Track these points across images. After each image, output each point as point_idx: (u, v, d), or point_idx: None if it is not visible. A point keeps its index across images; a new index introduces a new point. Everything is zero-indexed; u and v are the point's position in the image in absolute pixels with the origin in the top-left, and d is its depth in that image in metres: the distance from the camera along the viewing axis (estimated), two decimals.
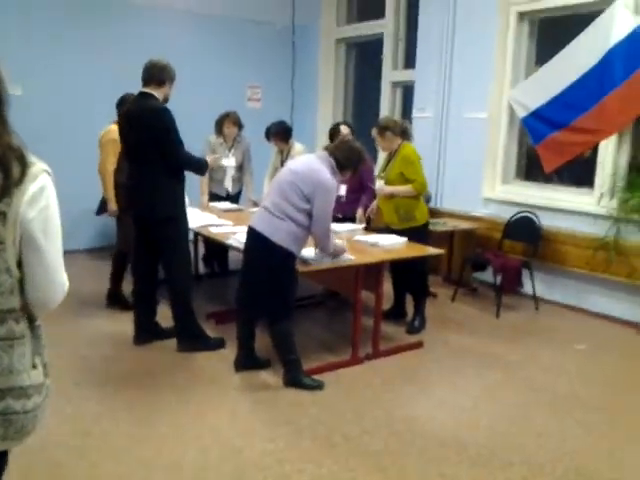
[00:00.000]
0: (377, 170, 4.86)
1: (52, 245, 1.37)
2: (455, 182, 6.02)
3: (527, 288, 5.13)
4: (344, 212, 4.72)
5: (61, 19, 6.10)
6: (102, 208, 5.39)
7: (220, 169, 5.43)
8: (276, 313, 3.41)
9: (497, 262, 5.01)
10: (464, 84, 5.87)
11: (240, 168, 5.55)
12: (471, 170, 5.85)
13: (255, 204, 5.17)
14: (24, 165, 1.30)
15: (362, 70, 7.89)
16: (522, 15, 5.53)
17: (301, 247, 3.42)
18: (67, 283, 1.45)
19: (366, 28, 7.31)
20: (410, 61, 6.69)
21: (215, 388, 3.45)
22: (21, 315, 1.38)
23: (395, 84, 7.00)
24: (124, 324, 4.18)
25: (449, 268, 5.78)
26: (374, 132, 4.42)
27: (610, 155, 4.87)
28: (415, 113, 6.36)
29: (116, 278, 4.70)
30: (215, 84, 6.99)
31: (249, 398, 3.37)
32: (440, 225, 5.41)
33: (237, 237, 3.89)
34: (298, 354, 3.48)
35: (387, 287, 4.20)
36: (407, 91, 6.84)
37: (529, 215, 5.25)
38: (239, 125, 5.43)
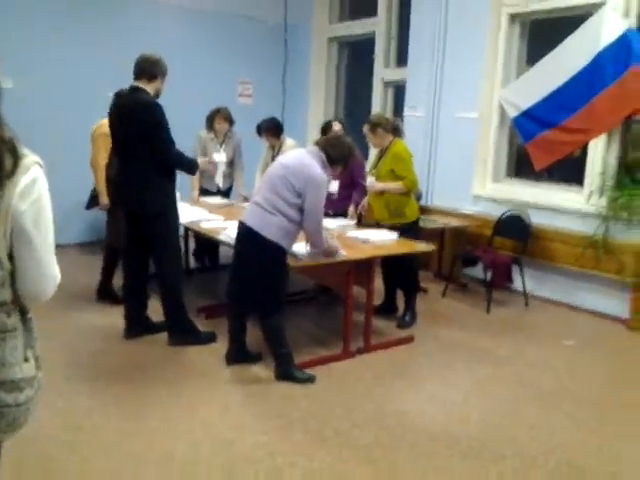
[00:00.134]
0: (368, 167, 4.87)
1: (44, 238, 1.37)
2: (446, 180, 6.04)
3: (517, 284, 5.17)
4: (336, 209, 4.72)
5: (56, 14, 6.07)
6: (92, 202, 5.37)
7: (211, 166, 5.42)
8: (267, 307, 3.41)
9: (487, 258, 5.04)
10: (455, 83, 5.90)
11: (231, 164, 5.53)
12: (462, 168, 5.87)
13: (246, 199, 5.16)
14: (16, 157, 1.29)
15: (354, 68, 7.90)
16: (513, 17, 5.56)
17: (292, 242, 3.42)
18: (59, 276, 1.45)
19: (358, 26, 7.32)
20: (402, 60, 6.71)
21: (206, 382, 3.45)
22: (12, 308, 1.38)
23: (387, 83, 7.01)
24: (115, 318, 4.16)
25: (440, 264, 5.80)
26: (366, 128, 4.43)
27: (599, 154, 4.91)
28: (406, 112, 6.37)
29: (107, 273, 4.69)
30: (207, 80, 6.98)
31: (240, 391, 3.37)
32: (431, 222, 5.43)
33: (228, 232, 3.89)
34: (290, 348, 3.49)
35: (378, 283, 4.22)
36: (399, 90, 6.86)
37: (519, 213, 5.28)
38: (230, 121, 5.42)
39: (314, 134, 6.44)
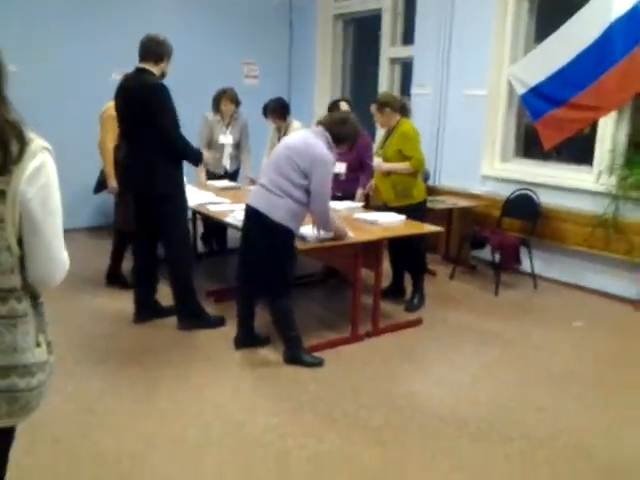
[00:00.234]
0: (375, 147, 4.83)
1: (52, 223, 1.36)
2: (454, 159, 5.99)
3: (525, 266, 5.14)
4: (344, 190, 4.70)
5: None
6: (100, 186, 5.36)
7: (218, 146, 5.41)
8: (275, 290, 3.41)
9: (495, 240, 5.01)
10: (463, 60, 5.82)
11: (237, 146, 5.51)
12: (470, 147, 5.82)
13: (252, 182, 5.14)
14: (23, 142, 1.29)
15: (360, 46, 7.80)
16: None
17: (299, 224, 3.41)
18: (68, 261, 1.45)
19: (364, 3, 7.21)
20: (409, 37, 6.61)
21: (216, 365, 3.47)
22: (23, 294, 1.38)
23: (394, 60, 6.93)
24: (124, 302, 4.18)
25: (447, 246, 5.78)
26: (373, 108, 4.39)
27: (609, 132, 4.85)
28: (414, 90, 6.31)
29: (116, 257, 4.70)
30: (212, 61, 6.92)
31: (250, 374, 3.40)
32: (438, 203, 5.40)
33: (235, 215, 3.88)
34: (299, 331, 3.50)
35: (385, 265, 4.21)
36: (406, 68, 6.78)
37: (528, 193, 5.24)
38: (236, 102, 5.38)
39: (321, 114, 6.38)
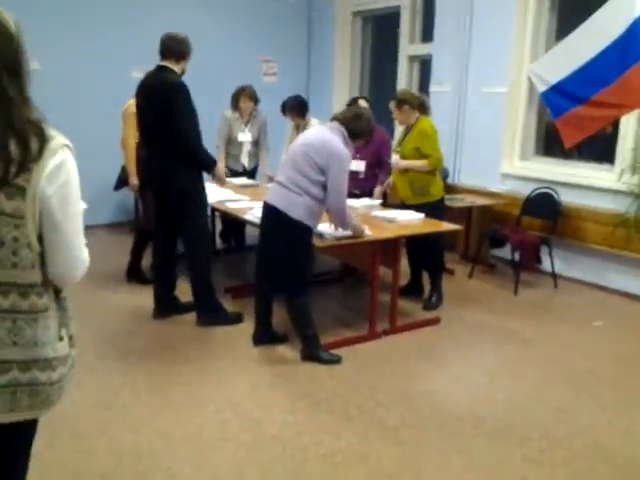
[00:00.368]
0: (394, 144, 4.82)
1: (72, 221, 1.37)
2: (473, 157, 5.95)
3: (546, 265, 5.09)
4: (362, 188, 4.70)
5: None
6: (121, 183, 5.41)
7: (237, 144, 5.43)
8: (293, 288, 3.42)
9: (515, 238, 4.96)
10: (483, 58, 5.77)
11: (256, 143, 5.53)
12: (489, 145, 5.78)
13: (271, 179, 5.14)
14: (43, 140, 1.29)
15: (379, 44, 7.77)
16: None
17: (317, 221, 3.41)
18: (88, 259, 1.45)
19: (383, 1, 7.18)
20: (428, 34, 6.57)
21: (233, 361, 3.49)
22: (43, 289, 1.39)
23: (412, 58, 6.90)
24: (144, 298, 4.23)
25: (466, 245, 5.75)
26: (392, 105, 4.37)
27: (632, 130, 4.79)
28: (433, 87, 6.27)
29: (136, 254, 4.74)
30: (230, 58, 6.95)
31: (267, 371, 3.41)
32: (458, 201, 5.37)
33: (254, 212, 3.90)
34: (316, 329, 3.50)
35: (403, 263, 4.19)
36: (424, 65, 6.75)
37: (548, 191, 5.19)
38: (255, 100, 5.40)
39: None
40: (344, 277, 5.05)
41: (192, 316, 4.01)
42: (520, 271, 4.92)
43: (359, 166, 4.66)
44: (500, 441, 2.77)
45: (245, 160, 5.57)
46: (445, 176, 5.71)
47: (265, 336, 3.69)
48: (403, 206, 4.38)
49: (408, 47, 6.87)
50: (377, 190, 4.77)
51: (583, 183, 5.09)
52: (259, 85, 5.70)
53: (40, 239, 1.35)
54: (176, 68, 3.69)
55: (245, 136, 5.40)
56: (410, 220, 4.04)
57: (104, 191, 5.91)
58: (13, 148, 1.26)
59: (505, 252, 5.32)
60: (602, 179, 5.01)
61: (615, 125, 4.95)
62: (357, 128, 3.40)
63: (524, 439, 2.78)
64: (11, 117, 1.27)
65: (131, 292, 4.55)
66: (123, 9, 6.33)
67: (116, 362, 3.44)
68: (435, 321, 4.18)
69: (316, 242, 3.43)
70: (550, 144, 5.66)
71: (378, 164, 4.74)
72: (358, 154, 4.52)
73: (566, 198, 5.09)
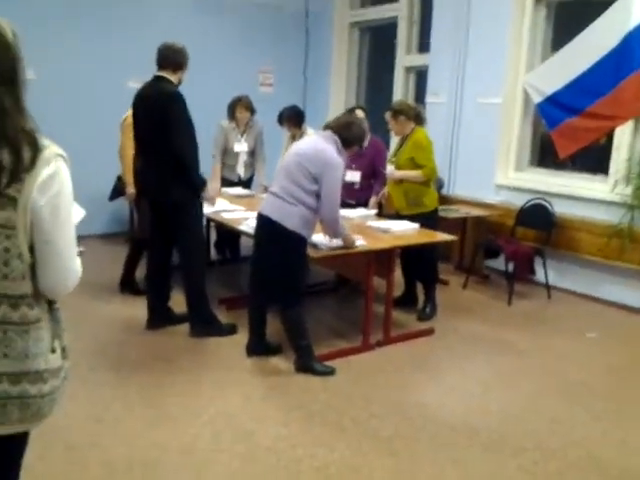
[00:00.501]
0: (389, 155, 4.83)
1: (64, 232, 1.36)
2: (468, 168, 5.98)
3: (540, 276, 5.11)
4: (357, 198, 4.71)
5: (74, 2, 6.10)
6: (116, 193, 5.40)
7: (233, 154, 5.44)
8: (287, 299, 3.41)
9: (509, 249, 4.98)
10: (479, 69, 5.81)
11: (252, 153, 5.53)
12: (484, 156, 5.80)
13: (266, 189, 5.14)
14: (36, 149, 1.28)
15: (376, 55, 7.82)
16: None
17: (312, 231, 3.42)
18: (80, 270, 1.44)
19: (380, 12, 7.24)
20: (424, 45, 6.62)
21: (227, 373, 3.47)
22: (35, 301, 1.38)
23: (409, 69, 6.94)
24: (137, 309, 4.21)
25: (461, 255, 5.76)
26: (388, 115, 4.40)
27: (626, 141, 4.83)
28: (429, 98, 6.30)
29: (130, 265, 4.72)
30: (227, 69, 6.97)
31: (261, 383, 3.40)
32: (452, 212, 5.38)
33: (248, 223, 3.90)
34: (310, 340, 3.49)
35: (397, 274, 4.20)
36: (420, 76, 6.78)
37: (542, 202, 5.21)
38: (251, 110, 5.40)
39: None
40: (338, 288, 5.05)
41: (185, 327, 3.99)
42: (514, 282, 4.93)
43: (354, 177, 4.67)
44: (494, 452, 2.76)
45: (241, 170, 5.57)
46: (440, 187, 5.73)
47: (259, 347, 3.68)
48: (398, 216, 4.39)
49: (405, 58, 6.91)
50: (372, 200, 4.78)
51: (577, 194, 5.12)
52: (255, 95, 5.71)
53: (31, 250, 1.34)
54: (173, 78, 3.70)
55: (241, 146, 5.40)
56: (405, 230, 4.05)
57: (99, 201, 5.89)
58: (5, 157, 1.26)
59: (499, 263, 5.33)
60: (596, 190, 5.04)
61: (609, 136, 4.99)
62: (350, 136, 3.41)
63: (518, 450, 2.78)
64: (5, 127, 1.27)
65: (124, 303, 4.54)
66: (120, 19, 6.35)
67: (108, 373, 3.42)
68: (429, 332, 4.18)
69: (310, 253, 3.43)
70: (544, 155, 5.70)
71: (373, 174, 4.75)
72: (353, 164, 4.54)
73: (560, 209, 5.11)
